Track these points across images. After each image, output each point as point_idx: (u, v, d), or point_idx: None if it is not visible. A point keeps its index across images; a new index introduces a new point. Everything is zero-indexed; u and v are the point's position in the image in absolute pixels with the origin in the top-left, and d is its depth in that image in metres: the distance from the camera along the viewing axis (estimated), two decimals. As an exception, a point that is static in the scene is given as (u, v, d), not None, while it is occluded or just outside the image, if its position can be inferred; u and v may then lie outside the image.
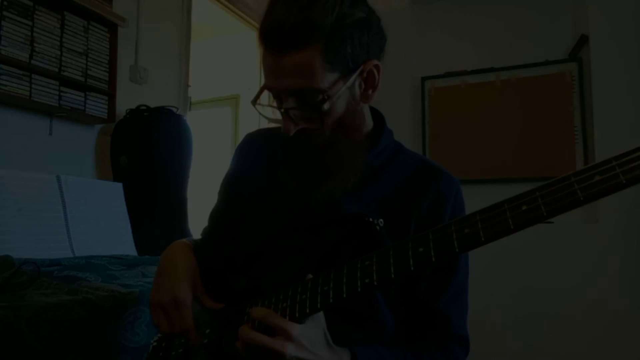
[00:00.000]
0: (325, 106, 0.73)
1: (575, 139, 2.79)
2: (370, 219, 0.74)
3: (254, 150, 0.96)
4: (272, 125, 0.86)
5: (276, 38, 0.72)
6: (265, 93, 0.81)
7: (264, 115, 0.83)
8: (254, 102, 0.82)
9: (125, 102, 2.44)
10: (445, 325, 0.82)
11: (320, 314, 0.69)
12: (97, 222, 2.04)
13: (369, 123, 0.87)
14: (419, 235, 0.62)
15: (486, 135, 3.00)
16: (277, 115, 0.80)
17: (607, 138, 2.65)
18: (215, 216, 0.99)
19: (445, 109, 3.14)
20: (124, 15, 2.39)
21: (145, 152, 2.32)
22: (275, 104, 0.79)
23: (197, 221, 2.58)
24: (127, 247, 2.13)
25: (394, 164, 0.86)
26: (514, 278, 2.78)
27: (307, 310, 0.67)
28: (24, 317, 1.04)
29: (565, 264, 2.69)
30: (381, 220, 0.77)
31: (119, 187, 2.23)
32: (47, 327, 1.07)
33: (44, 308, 1.09)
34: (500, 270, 2.75)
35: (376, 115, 0.89)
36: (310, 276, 0.70)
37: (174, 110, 2.47)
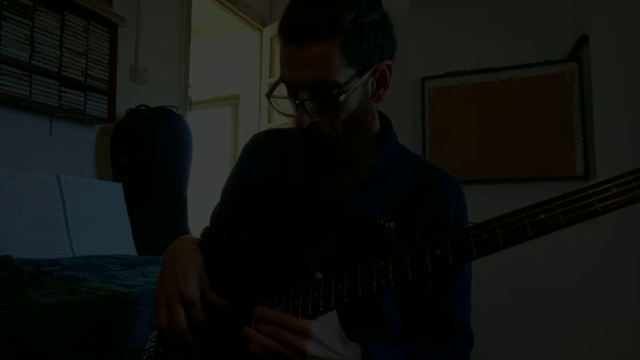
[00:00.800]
0: (342, 99, 0.76)
1: (575, 139, 2.79)
2: (382, 222, 0.75)
3: (261, 151, 0.97)
4: (278, 126, 0.87)
5: (297, 31, 0.74)
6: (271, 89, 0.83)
7: (276, 109, 0.85)
8: (269, 95, 0.84)
9: (125, 102, 2.44)
10: (453, 323, 0.84)
11: (333, 311, 0.70)
12: (97, 222, 2.04)
13: (377, 124, 0.89)
14: (435, 239, 0.63)
15: (486, 135, 3.00)
16: (289, 110, 0.82)
17: (607, 138, 2.65)
18: (218, 216, 0.99)
19: (445, 109, 3.14)
20: (124, 15, 2.39)
21: (145, 152, 2.32)
22: (288, 97, 0.81)
23: (197, 221, 2.58)
24: (127, 247, 2.13)
25: (399, 165, 0.88)
26: (514, 277, 2.78)
27: (321, 309, 0.67)
28: (24, 317, 1.04)
29: (565, 264, 2.69)
30: (392, 223, 0.78)
31: (119, 187, 2.23)
32: (47, 327, 1.07)
33: (44, 308, 1.09)
34: (500, 270, 2.75)
35: (383, 118, 0.92)
36: (320, 275, 0.70)
37: (174, 110, 2.47)
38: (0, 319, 1.00)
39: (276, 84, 0.83)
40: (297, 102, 0.77)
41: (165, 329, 0.80)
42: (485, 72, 3.03)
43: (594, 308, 2.61)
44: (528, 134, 2.89)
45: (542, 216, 0.56)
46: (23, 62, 1.94)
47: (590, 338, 2.60)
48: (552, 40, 2.90)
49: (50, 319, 1.08)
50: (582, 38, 2.80)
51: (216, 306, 0.83)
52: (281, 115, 0.86)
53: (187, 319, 0.80)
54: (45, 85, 2.03)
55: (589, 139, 2.76)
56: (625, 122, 2.62)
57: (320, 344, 0.66)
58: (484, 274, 2.58)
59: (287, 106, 0.84)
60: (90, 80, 2.22)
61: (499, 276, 2.76)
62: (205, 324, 0.81)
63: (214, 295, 0.84)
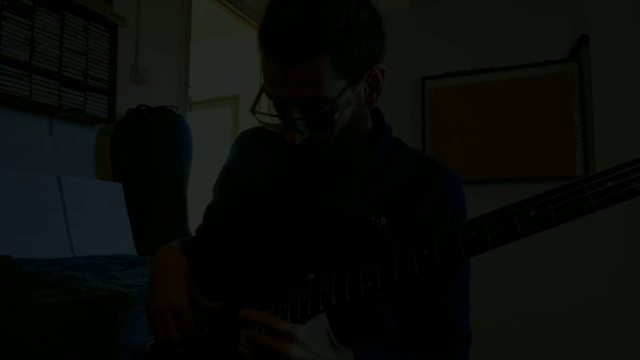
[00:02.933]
0: (336, 117, 0.71)
1: (575, 139, 2.79)
2: (372, 218, 0.74)
3: (251, 147, 0.95)
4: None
5: (283, 47, 0.67)
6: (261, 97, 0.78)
7: (264, 124, 0.79)
8: (253, 109, 0.77)
9: (125, 102, 2.44)
10: (450, 323, 0.82)
11: (323, 314, 0.69)
12: (97, 222, 2.03)
13: (369, 123, 0.87)
14: (423, 238, 0.61)
15: (486, 136, 3.00)
16: (277, 121, 0.77)
17: (607, 138, 2.65)
18: (211, 213, 0.98)
19: (445, 109, 3.14)
20: (124, 15, 2.39)
21: (145, 152, 2.32)
22: (275, 111, 0.76)
23: (198, 221, 2.58)
24: (127, 247, 2.13)
25: (395, 161, 0.85)
26: (514, 277, 2.78)
27: (309, 312, 0.67)
28: (24, 317, 1.04)
29: (564, 264, 2.69)
30: (384, 219, 0.76)
31: (119, 187, 2.23)
32: (47, 327, 1.06)
33: (44, 308, 1.09)
34: (500, 270, 2.75)
35: (374, 112, 0.89)
36: (312, 276, 0.69)
37: (174, 110, 2.47)
38: (0, 319, 1.00)
39: (259, 96, 0.76)
40: (287, 120, 0.72)
41: (162, 341, 0.82)
42: (485, 72, 3.03)
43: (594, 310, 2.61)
44: (528, 134, 2.89)
45: (532, 213, 0.53)
46: (23, 62, 1.94)
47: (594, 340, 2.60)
48: (552, 40, 2.90)
49: (50, 319, 1.08)
50: (582, 38, 2.80)
51: (209, 310, 0.83)
52: (270, 129, 0.79)
53: (179, 329, 0.81)
54: (45, 85, 2.03)
55: (589, 139, 2.76)
56: (625, 122, 2.62)
57: (305, 349, 0.65)
58: (486, 274, 2.58)
59: (274, 118, 0.78)
60: (90, 80, 2.22)
61: (498, 275, 2.76)
62: (197, 332, 0.81)
63: (206, 300, 0.84)
